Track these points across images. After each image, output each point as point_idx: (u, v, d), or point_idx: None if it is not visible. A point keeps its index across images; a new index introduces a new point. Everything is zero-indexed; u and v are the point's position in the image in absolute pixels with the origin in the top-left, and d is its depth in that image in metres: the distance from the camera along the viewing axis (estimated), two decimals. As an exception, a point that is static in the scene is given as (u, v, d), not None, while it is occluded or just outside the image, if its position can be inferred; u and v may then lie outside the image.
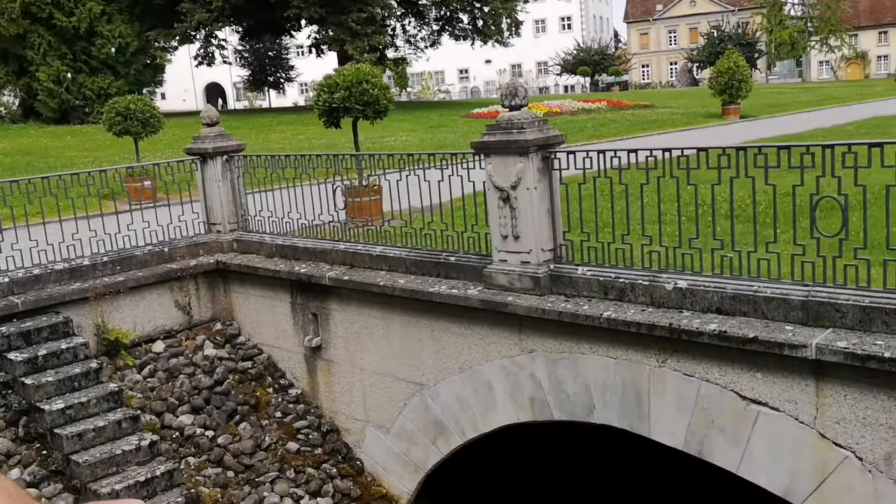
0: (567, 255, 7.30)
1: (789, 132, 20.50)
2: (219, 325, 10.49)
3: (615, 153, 6.75)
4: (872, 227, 5.31)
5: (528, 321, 7.20)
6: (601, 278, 6.85)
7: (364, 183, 10.37)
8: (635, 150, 6.71)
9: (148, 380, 9.37)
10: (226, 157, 10.56)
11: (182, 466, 8.21)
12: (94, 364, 8.71)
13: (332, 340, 9.37)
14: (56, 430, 7.86)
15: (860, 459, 5.27)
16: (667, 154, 6.49)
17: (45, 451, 7.91)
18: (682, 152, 6.33)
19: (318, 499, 8.57)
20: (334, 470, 8.99)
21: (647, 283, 6.53)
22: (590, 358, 6.80)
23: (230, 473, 8.53)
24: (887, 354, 4.96)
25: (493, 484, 9.82)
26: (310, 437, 9.31)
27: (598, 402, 6.80)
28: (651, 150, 6.57)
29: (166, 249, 10.25)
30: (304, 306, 9.63)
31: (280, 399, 9.74)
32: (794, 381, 5.53)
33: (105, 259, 9.72)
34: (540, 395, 7.28)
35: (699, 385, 6.07)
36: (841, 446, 5.36)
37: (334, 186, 9.43)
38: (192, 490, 7.66)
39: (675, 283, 6.35)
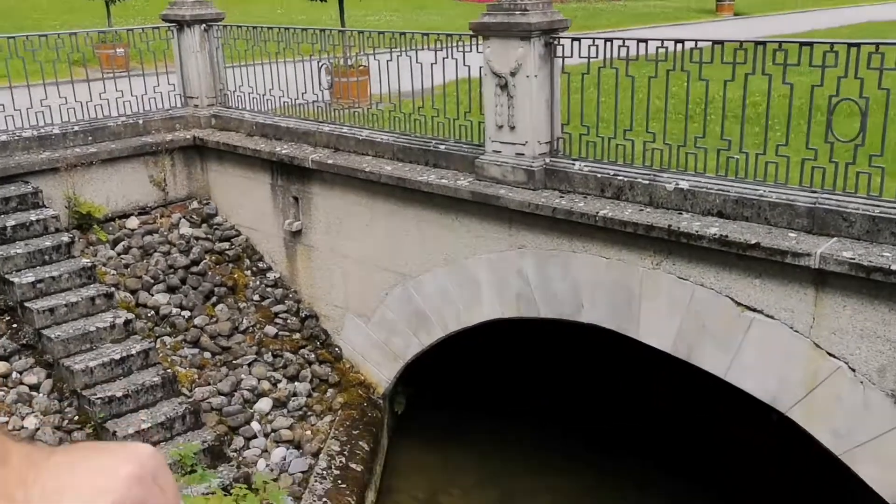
0: (564, 149, 7.01)
1: (786, 31, 19.97)
2: (195, 204, 10.16)
3: (623, 42, 6.37)
4: (891, 133, 5.06)
5: (519, 216, 6.98)
6: (599, 175, 6.60)
7: (350, 62, 9.86)
8: (645, 41, 6.33)
9: (122, 256, 9.10)
10: (204, 26, 9.95)
11: (158, 346, 8.06)
12: (65, 238, 8.41)
13: (313, 225, 9.11)
14: (27, 304, 7.63)
15: (853, 370, 5.22)
16: (678, 46, 6.13)
17: (15, 325, 7.70)
18: (696, 44, 5.97)
19: (296, 383, 8.51)
20: (312, 355, 8.91)
21: (646, 182, 6.29)
22: (581, 257, 6.63)
23: (207, 354, 8.42)
24: (894, 267, 4.83)
25: (472, 380, 9.84)
26: (288, 321, 9.19)
27: (586, 301, 6.68)
28: (663, 40, 6.19)
29: (141, 122, 9.78)
30: (284, 189, 9.31)
31: (258, 282, 9.55)
32: (793, 290, 5.41)
33: (76, 128, 9.25)
34: (527, 292, 7.14)
35: (693, 289, 5.94)
36: (834, 357, 5.30)
37: (320, 64, 8.94)
38: (169, 370, 7.53)
39: (677, 184, 6.12)
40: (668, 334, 6.17)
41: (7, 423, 6.80)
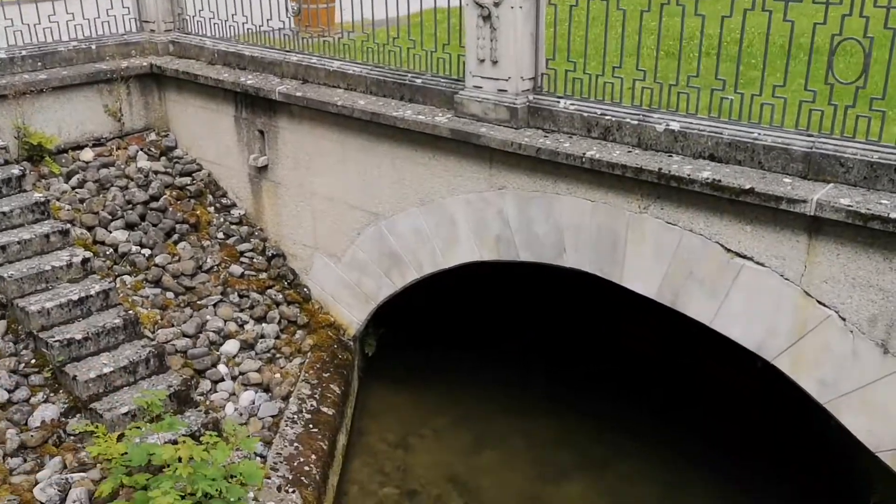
0: (548, 87, 6.71)
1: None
2: (153, 136, 9.66)
3: (616, -28, 6.04)
4: (895, 75, 4.86)
5: (500, 155, 6.70)
6: (585, 114, 6.33)
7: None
8: (638, -29, 6.00)
9: (77, 191, 8.63)
10: (162, -56, 9.29)
11: (118, 286, 7.70)
12: (15, 170, 7.91)
13: (280, 161, 8.72)
14: (-24, 241, 7.18)
15: (843, 319, 5.13)
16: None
17: (-36, 263, 7.25)
18: (693, -23, 5.66)
19: (264, 324, 8.24)
20: (280, 296, 8.63)
21: (635, 122, 6.04)
22: (565, 199, 6.41)
23: (170, 295, 8.08)
24: (893, 215, 4.70)
25: (446, 321, 9.68)
26: (254, 260, 8.87)
27: (569, 244, 6.49)
28: (657, -29, 5.86)
29: (94, 47, 9.20)
30: (249, 122, 8.86)
31: (222, 219, 9.17)
32: (786, 237, 5.27)
33: (24, 53, 8.66)
34: (507, 234, 6.92)
35: (681, 235, 5.78)
36: (825, 305, 5.20)
37: (285, -12, 8.44)
38: (130, 311, 7.19)
39: (667, 125, 5.89)
40: (653, 280, 6.02)
41: (-41, 366, 6.44)
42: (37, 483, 5.80)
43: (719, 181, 5.38)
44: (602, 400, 8.51)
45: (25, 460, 5.99)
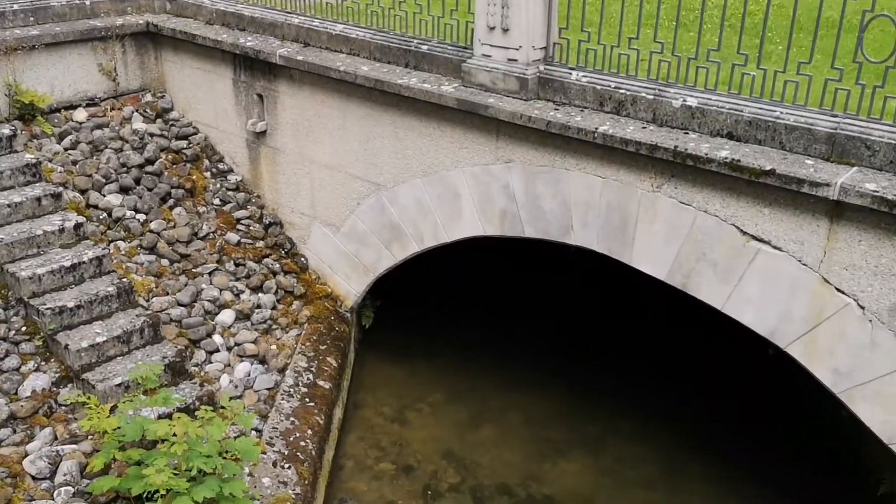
0: (561, 57, 6.48)
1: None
2: (149, 97, 9.39)
3: (635, -60, 5.78)
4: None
5: (508, 128, 6.49)
6: (598, 86, 6.11)
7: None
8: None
9: (69, 152, 8.38)
10: None
11: (111, 251, 7.49)
12: (6, 130, 7.66)
13: (279, 127, 8.47)
14: (-36, 203, 6.95)
15: (862, 308, 4.99)
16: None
17: (-48, 225, 7.03)
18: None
19: (260, 294, 8.07)
20: (277, 265, 8.44)
21: (651, 97, 5.83)
22: (574, 175, 6.21)
23: (164, 262, 7.88)
24: (920, 203, 4.53)
25: (444, 294, 9.53)
26: (251, 228, 8.66)
27: (577, 222, 6.30)
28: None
29: (88, 3, 8.90)
30: (248, 85, 8.60)
31: (218, 185, 8.94)
32: (805, 221, 5.10)
33: (16, 7, 8.35)
34: (512, 209, 6.73)
35: (696, 215, 5.60)
36: (843, 293, 5.05)
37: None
38: (124, 278, 7.00)
39: (684, 100, 5.67)
40: (663, 262, 5.85)
41: (-54, 332, 6.26)
42: (26, 455, 5.65)
43: (738, 161, 5.19)
44: (599, 376, 8.40)
45: (15, 431, 5.83)
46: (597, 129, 5.84)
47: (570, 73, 6.30)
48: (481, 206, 6.95)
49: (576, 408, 8.11)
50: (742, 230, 5.40)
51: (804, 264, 5.17)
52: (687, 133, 5.62)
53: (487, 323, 9.25)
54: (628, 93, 5.94)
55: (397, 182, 7.55)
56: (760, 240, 5.33)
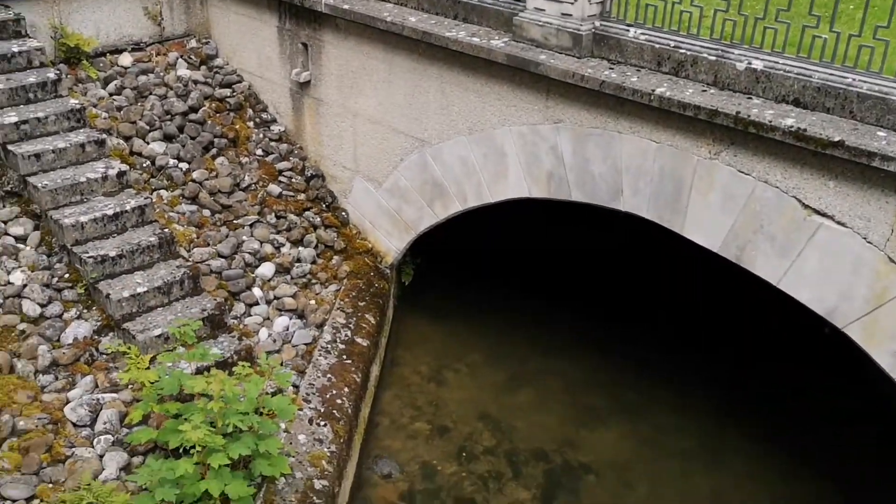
0: (618, 13, 6.18)
1: None
2: (194, 43, 9.27)
3: None
4: None
5: (559, 86, 6.24)
6: (657, 45, 5.82)
7: None
8: None
9: (114, 98, 8.32)
10: None
11: (154, 200, 7.46)
12: (51, 74, 7.60)
13: (323, 77, 8.30)
14: (10, 147, 6.95)
15: (929, 292, 4.74)
16: None
17: (-2, 168, 7.04)
18: None
19: (300, 248, 8.00)
20: (318, 219, 8.35)
21: (713, 58, 5.53)
22: (627, 138, 5.96)
23: (206, 212, 7.84)
24: None
25: (485, 253, 9.38)
26: (293, 180, 8.57)
27: (627, 187, 6.07)
28: None
29: (134, -55, 8.72)
30: (293, 34, 8.42)
31: (261, 135, 8.84)
32: (873, 197, 4.82)
33: (61, -51, 8.22)
34: (560, 171, 6.51)
35: (755, 185, 5.33)
36: (910, 274, 4.79)
37: None
38: (166, 229, 6.97)
39: (749, 63, 5.37)
40: (717, 232, 5.61)
41: (-9, 276, 6.30)
42: (68, 402, 5.71)
43: (804, 130, 4.90)
44: (640, 345, 8.23)
45: (57, 378, 5.89)
46: (653, 90, 5.57)
47: (628, 31, 6.00)
48: (528, 166, 6.74)
49: (616, 375, 7.98)
50: (804, 203, 5.13)
51: (869, 242, 4.90)
52: (750, 98, 5.33)
53: (528, 284, 9.10)
54: (689, 53, 5.64)
55: (442, 139, 7.36)
56: (823, 214, 5.06)
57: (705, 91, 5.48)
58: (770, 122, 5.03)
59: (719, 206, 5.55)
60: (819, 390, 7.78)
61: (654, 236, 6.59)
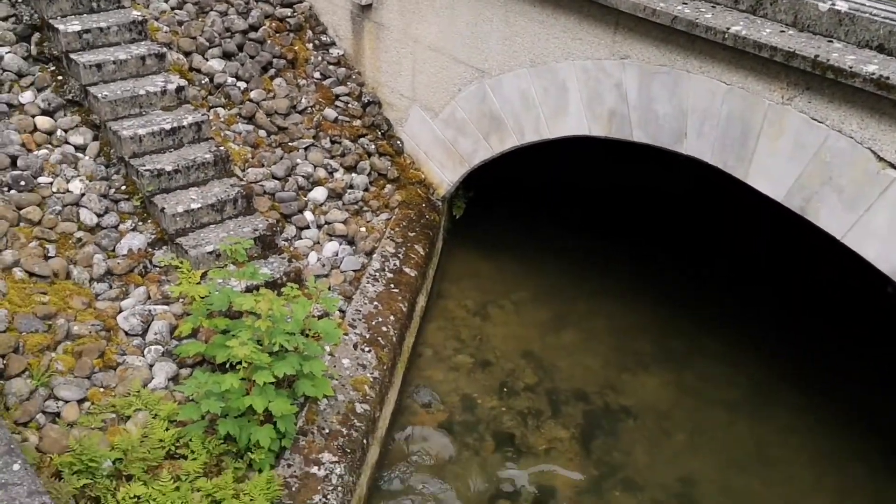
0: (697, -56, 5.86)
1: None
2: (256, -40, 9.12)
3: None
4: None
5: (628, 20, 5.99)
6: (736, -19, 5.52)
7: None
8: None
9: (175, 12, 8.28)
10: None
11: (211, 117, 7.47)
12: (114, -16, 7.57)
13: (385, 1, 8.12)
14: (72, 56, 6.99)
15: None
16: None
17: (60, 77, 7.10)
18: None
19: (353, 174, 7.98)
20: (372, 146, 8.29)
21: (795, -4, 5.23)
22: (696, 78, 5.72)
23: (262, 133, 7.83)
24: None
25: (538, 190, 9.26)
26: (349, 106, 8.49)
27: (692, 130, 5.86)
28: None
29: None
30: (357, -46, 8.22)
31: (320, 58, 8.74)
32: (955, 153, 4.56)
33: None
34: (622, 110, 6.31)
35: (827, 134, 5.09)
36: None
37: None
38: (222, 147, 6.99)
39: (833, 3, 5.06)
40: (783, 181, 5.40)
41: (52, 184, 6.41)
42: (120, 311, 5.84)
43: (887, 78, 4.63)
44: (692, 292, 8.09)
45: (111, 287, 6.02)
46: (728, 28, 5.31)
47: (706, -36, 5.70)
48: (589, 103, 6.55)
49: (663, 322, 7.88)
50: (879, 156, 4.89)
51: (946, 201, 4.67)
52: (831, 42, 5.05)
53: (584, 222, 8.97)
54: (769, -10, 5.34)
55: (502, 70, 7.18)
56: (898, 168, 4.83)
57: (783, 32, 5.21)
58: (850, 67, 4.76)
59: (787, 154, 5.32)
60: (874, 349, 7.58)
61: (721, 182, 6.39)
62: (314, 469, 5.16)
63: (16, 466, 3.60)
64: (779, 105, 5.29)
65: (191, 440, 4.99)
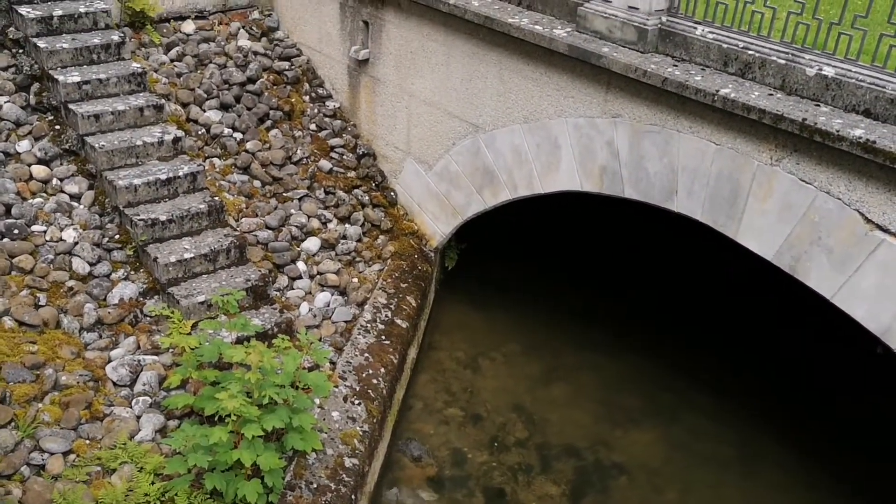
0: (686, 9, 6.02)
1: None
2: (256, 14, 9.32)
3: None
4: None
5: (620, 80, 6.11)
6: (724, 45, 5.66)
7: None
8: None
9: (175, 64, 8.41)
10: None
11: (207, 168, 7.54)
12: (115, 36, 7.69)
13: (381, 56, 8.27)
14: (71, 106, 7.07)
15: None
16: None
17: (58, 127, 7.17)
18: None
19: (347, 225, 8.02)
20: (366, 197, 8.36)
21: (782, 61, 5.36)
22: (687, 138, 5.82)
23: (257, 183, 7.89)
24: None
25: (527, 242, 9.32)
26: (344, 157, 8.58)
27: (682, 188, 5.94)
28: None
29: (204, -87, 8.78)
30: (355, 10, 8.39)
31: (316, 110, 8.86)
32: (941, 217, 4.63)
33: (132, -87, 8.29)
34: (614, 167, 6.40)
35: (815, 195, 5.17)
36: (973, 300, 4.60)
37: None
38: (216, 197, 7.03)
39: (820, 69, 5.19)
40: (772, 241, 5.46)
41: (45, 232, 6.43)
42: (109, 361, 5.81)
43: (873, 143, 4.72)
44: (677, 346, 8.10)
45: (101, 336, 6.00)
46: (717, 91, 5.42)
47: (695, 28, 5.85)
48: (581, 160, 6.64)
49: (652, 375, 7.87)
50: (866, 217, 4.96)
51: (932, 263, 4.73)
52: (818, 105, 5.16)
53: (570, 277, 9.01)
54: (757, 55, 5.47)
55: (496, 126, 7.28)
56: (886, 230, 4.89)
57: (772, 95, 5.32)
58: (838, 131, 4.86)
59: (776, 214, 5.39)
60: (867, 410, 7.57)
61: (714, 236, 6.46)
62: (301, 525, 5.09)
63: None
64: (768, 166, 5.38)
65: (176, 495, 4.92)
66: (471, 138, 7.56)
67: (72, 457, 5.11)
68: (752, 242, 5.60)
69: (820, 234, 5.21)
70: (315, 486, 5.39)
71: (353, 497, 5.57)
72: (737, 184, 5.58)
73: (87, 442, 5.21)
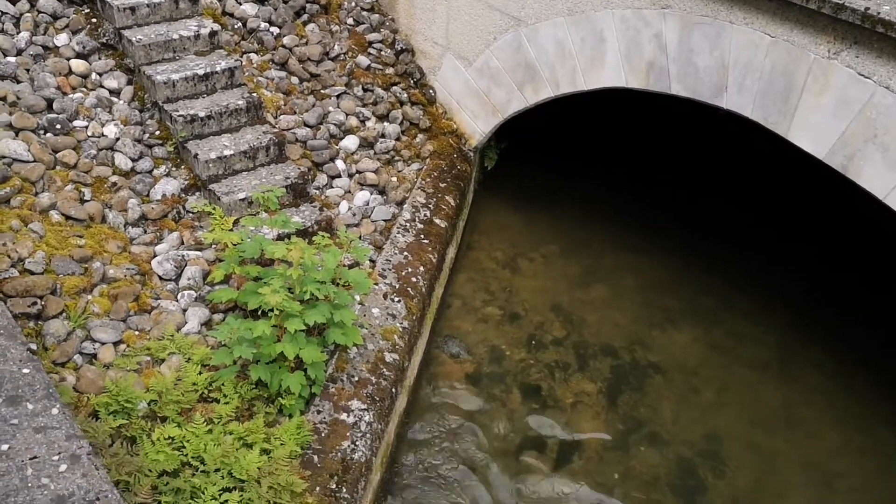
0: None
1: None
2: None
3: None
4: None
5: (671, -32, 5.81)
6: (785, -72, 5.31)
7: None
8: None
9: (208, -46, 8.18)
10: None
11: (244, 63, 7.43)
12: (147, -74, 7.47)
13: (420, -55, 7.96)
14: (106, -1, 6.95)
15: None
16: None
17: (94, 20, 7.08)
18: None
19: (385, 123, 7.92)
20: (405, 95, 8.21)
21: (847, -54, 5.02)
22: (739, 30, 5.55)
23: (294, 80, 7.78)
24: None
25: (571, 141, 9.14)
26: (382, 53, 8.38)
27: (732, 83, 5.72)
28: None
29: None
30: None
31: (353, 3, 8.61)
32: None
33: None
34: (661, 61, 6.17)
35: (874, 91, 4.93)
36: None
37: None
38: (254, 93, 6.95)
39: (888, -46, 4.86)
40: (825, 139, 5.27)
41: (87, 127, 6.45)
42: (154, 255, 5.91)
43: (941, 34, 4.46)
44: (719, 247, 8.01)
45: (146, 231, 6.08)
46: (775, -21, 5.13)
47: (754, -90, 5.48)
48: (627, 54, 6.40)
49: (692, 277, 7.82)
50: (928, 115, 4.74)
51: None
52: (883, -6, 4.86)
53: (612, 178, 8.87)
54: (820, -61, 5.13)
55: (539, 19, 7.03)
56: (947, 128, 4.67)
57: (834, -17, 5.01)
58: (903, 21, 4.59)
59: (831, 110, 5.18)
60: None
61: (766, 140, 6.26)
62: (343, 416, 5.25)
63: (54, 410, 3.68)
64: (825, 59, 5.13)
65: (223, 384, 5.08)
66: (512, 32, 7.32)
67: (122, 347, 5.28)
68: (804, 140, 5.41)
69: (876, 132, 5.00)
70: (356, 378, 5.52)
71: (393, 390, 5.70)
72: (791, 78, 5.35)
73: (136, 333, 5.37)
